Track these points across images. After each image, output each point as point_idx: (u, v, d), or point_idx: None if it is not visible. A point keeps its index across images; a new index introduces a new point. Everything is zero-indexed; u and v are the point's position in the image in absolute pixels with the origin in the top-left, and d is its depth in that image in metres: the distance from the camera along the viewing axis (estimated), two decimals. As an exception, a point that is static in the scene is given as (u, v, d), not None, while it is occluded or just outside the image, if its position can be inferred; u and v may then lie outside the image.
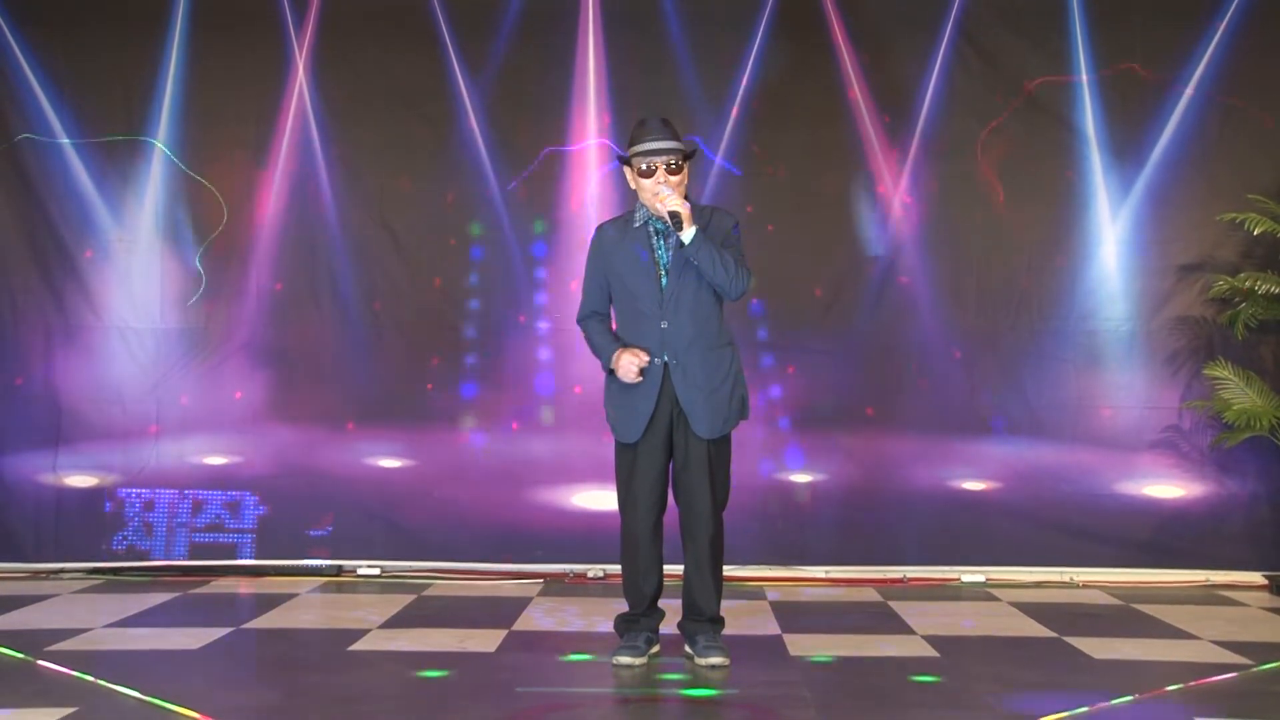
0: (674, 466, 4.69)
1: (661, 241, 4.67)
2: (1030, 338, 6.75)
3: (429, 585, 6.48)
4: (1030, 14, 6.80)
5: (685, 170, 4.66)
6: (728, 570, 4.83)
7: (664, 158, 4.59)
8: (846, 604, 6.05)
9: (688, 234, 4.54)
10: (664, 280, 4.63)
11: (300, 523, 6.73)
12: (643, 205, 4.70)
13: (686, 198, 4.63)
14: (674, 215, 4.53)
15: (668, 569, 4.78)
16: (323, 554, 6.74)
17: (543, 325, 6.82)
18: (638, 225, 4.71)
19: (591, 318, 4.81)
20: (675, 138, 4.64)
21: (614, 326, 4.81)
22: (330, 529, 6.74)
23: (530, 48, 6.82)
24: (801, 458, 6.76)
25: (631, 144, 4.67)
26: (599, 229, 4.85)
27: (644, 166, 4.60)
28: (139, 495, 6.74)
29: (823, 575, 6.66)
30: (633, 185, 4.71)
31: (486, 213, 6.83)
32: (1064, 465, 6.70)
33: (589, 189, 6.85)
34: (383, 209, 6.86)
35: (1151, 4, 6.77)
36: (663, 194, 4.55)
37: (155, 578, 6.61)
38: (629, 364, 4.59)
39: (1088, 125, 6.74)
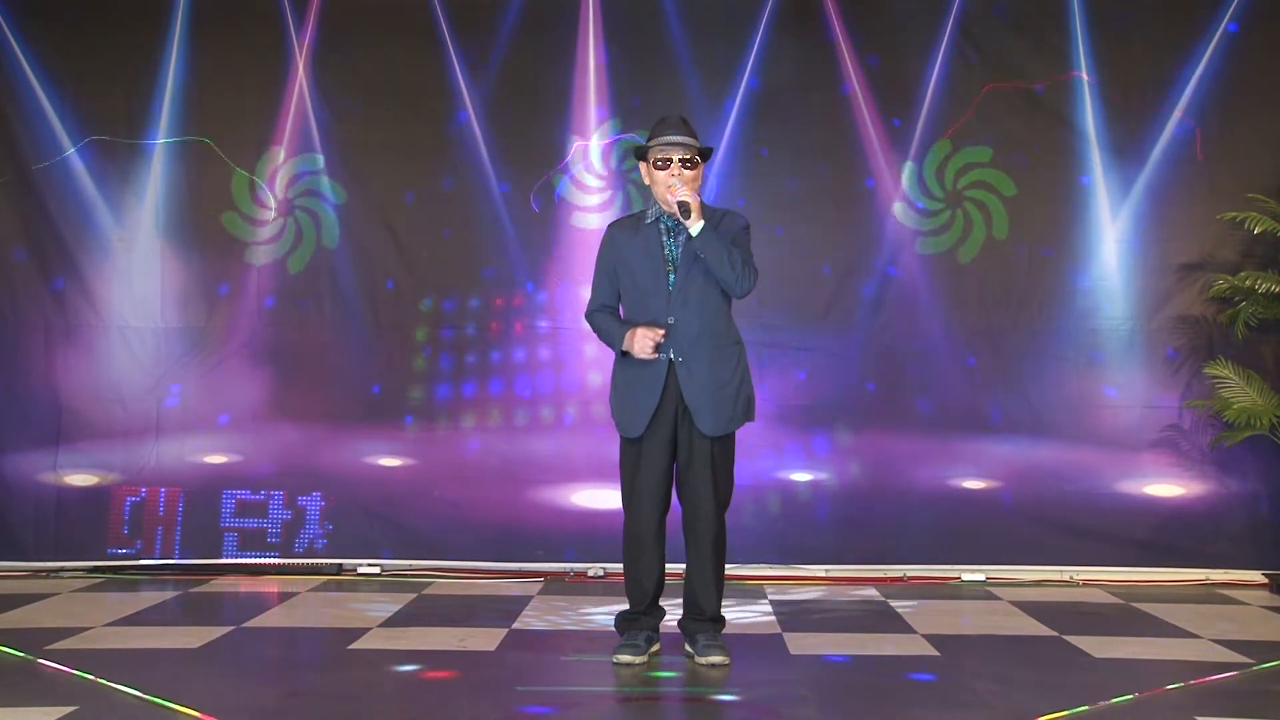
0: (678, 464, 4.70)
1: (672, 238, 4.69)
2: (1030, 337, 6.75)
3: (429, 584, 6.48)
4: (1030, 14, 6.80)
5: (700, 170, 4.68)
6: (728, 569, 4.83)
7: (680, 152, 4.62)
8: (847, 603, 6.05)
9: (695, 227, 4.56)
10: (672, 277, 4.64)
11: (300, 521, 6.74)
12: (655, 203, 4.71)
13: (699, 198, 4.64)
14: (683, 206, 4.54)
15: (669, 567, 4.78)
16: (323, 553, 6.74)
17: (543, 325, 6.82)
18: (649, 222, 4.73)
19: (600, 310, 4.82)
20: (693, 136, 4.68)
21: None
22: (330, 528, 6.75)
23: (530, 47, 6.83)
24: (802, 457, 6.76)
25: (650, 138, 4.69)
26: (610, 226, 4.87)
27: (659, 160, 4.62)
28: (139, 494, 6.74)
29: (823, 574, 6.66)
30: (646, 180, 4.74)
31: (486, 212, 6.83)
32: (1064, 464, 6.70)
33: (590, 187, 6.84)
34: (383, 209, 6.86)
35: (1152, 3, 6.77)
36: (674, 185, 4.57)
37: (155, 577, 6.62)
38: (644, 338, 4.58)
39: (1088, 125, 6.74)
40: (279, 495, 6.76)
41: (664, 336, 4.59)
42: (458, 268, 6.85)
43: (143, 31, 6.81)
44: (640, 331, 4.60)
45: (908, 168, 6.78)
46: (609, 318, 4.79)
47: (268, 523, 6.75)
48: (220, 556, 6.73)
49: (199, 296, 6.84)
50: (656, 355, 4.60)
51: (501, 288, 6.83)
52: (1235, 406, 6.39)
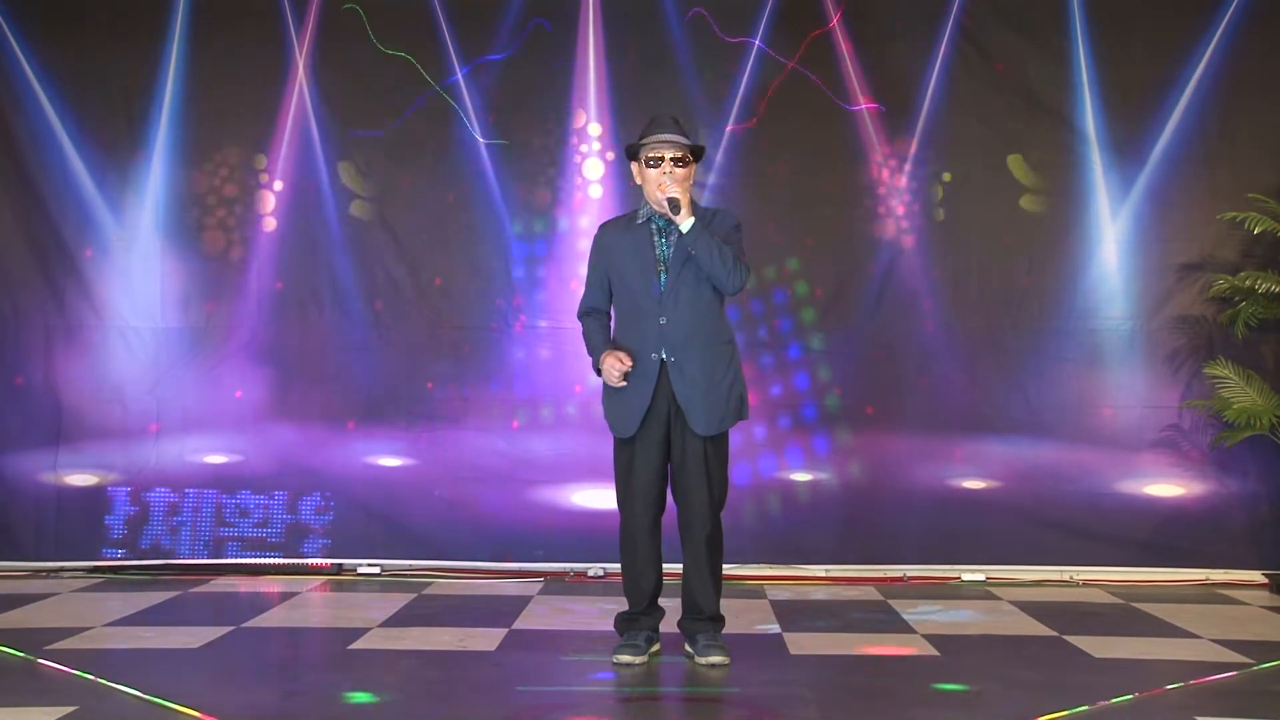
0: (672, 464, 4.70)
1: (663, 239, 4.69)
2: (1030, 337, 6.74)
3: (429, 584, 6.48)
4: (1030, 13, 6.79)
5: (692, 169, 4.68)
6: (728, 569, 4.84)
7: (671, 150, 4.62)
8: (847, 603, 6.05)
9: (685, 223, 4.56)
10: (663, 277, 4.64)
11: (300, 522, 6.74)
12: (646, 203, 4.71)
13: (691, 200, 4.65)
14: (672, 202, 4.54)
15: (668, 567, 4.78)
16: (323, 553, 6.74)
17: (543, 325, 6.82)
18: (640, 222, 4.73)
19: (590, 314, 4.83)
20: (685, 135, 4.68)
21: (613, 324, 4.83)
22: (330, 528, 6.75)
23: (530, 48, 6.82)
24: (801, 457, 6.76)
25: (641, 137, 4.70)
26: (601, 227, 4.88)
27: (651, 158, 4.62)
28: (139, 494, 6.74)
29: (823, 574, 6.66)
30: (638, 179, 4.74)
31: (487, 212, 6.83)
32: (1064, 464, 6.70)
33: (590, 188, 6.85)
34: (383, 209, 6.86)
35: (1152, 3, 6.77)
36: (665, 183, 4.57)
37: (155, 576, 6.61)
38: (611, 367, 4.61)
39: (1088, 125, 6.74)
40: (279, 495, 6.76)
41: (631, 368, 4.59)
42: (457, 267, 6.85)
43: (143, 31, 6.80)
44: (609, 360, 4.61)
45: (907, 167, 6.76)
46: (595, 328, 4.80)
47: (268, 523, 6.75)
48: (220, 556, 6.73)
49: (199, 296, 6.84)
50: (623, 383, 4.60)
51: (501, 288, 6.83)
52: (1235, 406, 6.39)
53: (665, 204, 4.57)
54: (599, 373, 4.73)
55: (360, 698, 4.21)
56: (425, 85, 6.81)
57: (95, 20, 6.84)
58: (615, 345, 4.72)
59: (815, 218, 6.80)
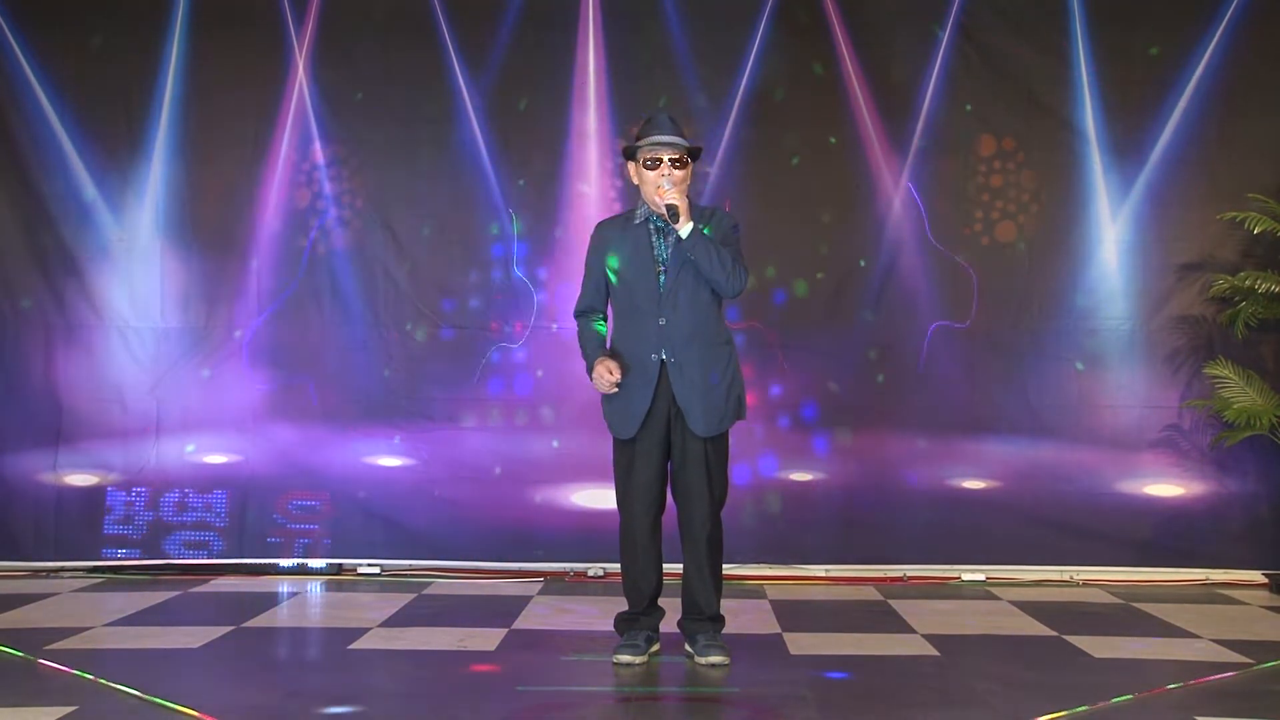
0: (671, 465, 4.70)
1: (661, 239, 4.68)
2: (1030, 337, 6.74)
3: (429, 584, 6.48)
4: (1030, 13, 6.79)
5: (690, 169, 4.67)
6: (728, 569, 4.84)
7: (669, 151, 4.61)
8: (847, 603, 6.05)
9: (684, 229, 4.56)
10: (662, 277, 4.64)
11: (300, 522, 6.74)
12: (643, 203, 4.71)
13: (689, 198, 4.65)
14: (671, 209, 4.54)
15: (668, 568, 4.79)
16: (322, 553, 6.74)
17: (543, 325, 6.83)
18: (638, 222, 4.72)
19: (587, 314, 4.84)
20: (682, 135, 4.67)
21: (610, 324, 4.83)
22: (330, 528, 6.75)
23: (530, 48, 6.83)
24: (801, 457, 6.76)
25: (638, 137, 4.69)
26: (598, 226, 4.87)
27: (649, 160, 4.62)
28: (139, 494, 6.75)
29: (823, 574, 6.66)
30: (635, 180, 4.73)
31: (486, 212, 6.83)
32: (1064, 464, 6.70)
33: (590, 188, 6.85)
34: (383, 209, 6.86)
35: (1152, 3, 6.77)
36: (663, 187, 4.57)
37: (155, 576, 6.62)
38: (600, 377, 4.62)
39: (1088, 125, 6.74)
40: (279, 495, 6.76)
41: (620, 378, 4.59)
42: (458, 267, 6.85)
43: (143, 32, 6.81)
44: (598, 369, 4.62)
45: (907, 167, 6.76)
46: (590, 332, 4.81)
47: (267, 523, 6.75)
48: (220, 556, 6.73)
49: (199, 296, 6.84)
50: (614, 390, 4.61)
51: (501, 288, 6.83)
52: (1235, 406, 6.39)
53: (664, 209, 4.57)
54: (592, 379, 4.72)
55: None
56: (425, 85, 6.82)
57: (95, 20, 6.84)
58: (610, 352, 4.71)
59: (815, 217, 6.80)
